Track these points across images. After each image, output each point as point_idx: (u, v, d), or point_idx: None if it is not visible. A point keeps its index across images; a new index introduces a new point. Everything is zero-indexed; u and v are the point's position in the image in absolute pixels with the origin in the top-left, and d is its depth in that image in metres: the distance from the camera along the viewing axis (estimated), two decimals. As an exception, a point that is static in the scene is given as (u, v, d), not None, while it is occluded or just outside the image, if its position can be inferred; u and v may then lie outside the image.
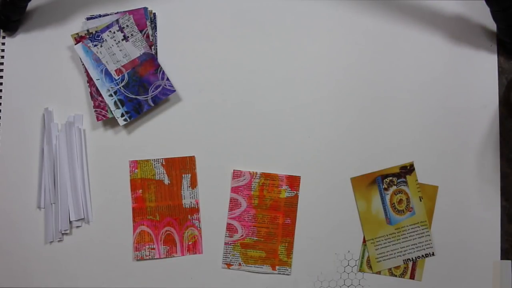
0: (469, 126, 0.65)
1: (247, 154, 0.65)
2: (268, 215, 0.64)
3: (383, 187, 0.64)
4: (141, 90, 0.64)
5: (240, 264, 0.64)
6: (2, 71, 0.66)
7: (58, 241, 0.64)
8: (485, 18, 0.65)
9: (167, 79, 0.64)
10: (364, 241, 0.64)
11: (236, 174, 0.64)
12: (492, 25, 0.66)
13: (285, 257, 0.64)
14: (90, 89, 0.64)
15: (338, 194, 0.64)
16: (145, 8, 0.65)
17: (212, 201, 0.64)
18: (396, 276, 0.64)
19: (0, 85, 0.66)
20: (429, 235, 0.64)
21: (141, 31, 0.64)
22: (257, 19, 0.66)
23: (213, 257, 0.64)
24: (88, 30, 0.64)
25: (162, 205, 0.64)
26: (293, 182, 0.64)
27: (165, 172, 0.64)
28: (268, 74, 0.66)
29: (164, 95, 0.64)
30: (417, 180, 0.65)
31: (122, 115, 0.64)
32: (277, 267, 0.64)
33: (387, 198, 0.65)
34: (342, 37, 0.66)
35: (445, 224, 0.64)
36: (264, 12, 0.66)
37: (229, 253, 0.64)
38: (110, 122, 0.65)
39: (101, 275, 0.64)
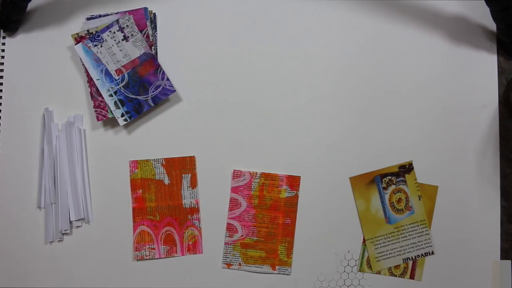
0: (469, 126, 0.65)
1: (247, 154, 0.65)
2: (268, 215, 0.64)
3: (382, 186, 0.65)
4: (141, 90, 0.64)
5: (240, 264, 0.64)
6: (2, 71, 0.66)
7: (58, 241, 0.64)
8: (485, 18, 0.65)
9: (167, 79, 0.64)
10: (364, 241, 0.64)
11: (236, 174, 0.64)
12: (492, 25, 0.66)
13: (285, 257, 0.64)
14: (90, 89, 0.64)
15: (339, 194, 0.65)
16: (145, 8, 0.65)
17: (212, 201, 0.65)
18: (396, 276, 0.64)
19: (0, 85, 0.66)
20: (428, 234, 0.64)
21: (141, 31, 0.64)
22: (257, 19, 0.66)
23: (213, 257, 0.64)
24: (88, 30, 0.64)
25: (162, 205, 0.64)
26: (293, 182, 0.65)
27: (165, 172, 0.65)
28: (268, 74, 0.66)
29: (164, 95, 0.64)
30: (416, 179, 0.65)
31: (122, 115, 0.64)
32: (277, 267, 0.64)
33: (386, 197, 0.65)
34: (342, 37, 0.66)
35: (445, 224, 0.64)
36: (264, 12, 0.66)
37: (229, 253, 0.64)
38: (110, 122, 0.65)
39: (101, 275, 0.64)
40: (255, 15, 0.66)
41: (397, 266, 0.64)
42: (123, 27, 0.64)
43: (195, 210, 0.64)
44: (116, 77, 0.64)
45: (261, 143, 0.65)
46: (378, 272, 0.64)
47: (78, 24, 0.66)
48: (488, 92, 0.66)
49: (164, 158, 0.65)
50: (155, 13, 0.66)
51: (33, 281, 0.64)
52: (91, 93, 0.64)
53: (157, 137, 0.65)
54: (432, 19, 0.66)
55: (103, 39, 0.64)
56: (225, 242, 0.64)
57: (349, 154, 0.65)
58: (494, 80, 0.66)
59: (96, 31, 0.64)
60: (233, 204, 0.64)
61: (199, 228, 0.64)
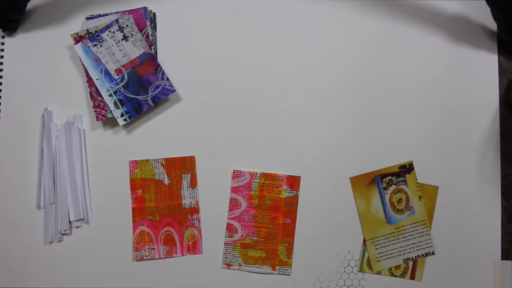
0: (469, 126, 0.65)
1: (247, 154, 0.65)
2: (268, 215, 0.64)
3: (383, 186, 0.64)
4: (140, 90, 0.64)
5: (240, 265, 0.64)
6: (2, 71, 0.66)
7: (58, 241, 0.64)
8: (486, 17, 0.65)
9: (167, 79, 0.64)
10: (364, 241, 0.64)
11: (236, 174, 0.64)
12: (492, 25, 0.65)
13: (285, 257, 0.64)
14: (90, 89, 0.64)
15: (339, 194, 0.64)
16: (145, 8, 0.65)
17: (212, 201, 0.64)
18: (396, 276, 0.64)
19: (-1, 85, 0.66)
20: (429, 234, 0.64)
21: (140, 31, 0.64)
22: (257, 19, 0.66)
23: (213, 257, 0.64)
24: (87, 30, 0.64)
25: (162, 205, 0.64)
26: (293, 182, 0.64)
27: (165, 172, 0.64)
28: (268, 74, 0.65)
29: (164, 95, 0.64)
30: (416, 179, 0.65)
31: (122, 115, 0.63)
32: (277, 267, 0.64)
33: (387, 197, 0.65)
34: (342, 37, 0.66)
35: (446, 225, 0.64)
36: (264, 12, 0.66)
37: (229, 253, 0.64)
38: (110, 122, 0.65)
39: (101, 275, 0.64)
40: (255, 15, 0.66)
41: (397, 267, 0.64)
42: (123, 27, 0.64)
43: (195, 210, 0.64)
44: (116, 77, 0.64)
45: (261, 143, 0.65)
46: (379, 273, 0.64)
47: (77, 24, 0.66)
48: (488, 92, 0.66)
49: (164, 158, 0.65)
50: (154, 12, 0.66)
51: (33, 281, 0.64)
52: (90, 93, 0.64)
53: (157, 137, 0.65)
54: (433, 19, 0.66)
55: (102, 38, 0.64)
56: (225, 243, 0.64)
57: (349, 154, 0.65)
58: (494, 80, 0.66)
59: (95, 31, 0.64)
60: (233, 204, 0.64)
61: (199, 228, 0.64)
